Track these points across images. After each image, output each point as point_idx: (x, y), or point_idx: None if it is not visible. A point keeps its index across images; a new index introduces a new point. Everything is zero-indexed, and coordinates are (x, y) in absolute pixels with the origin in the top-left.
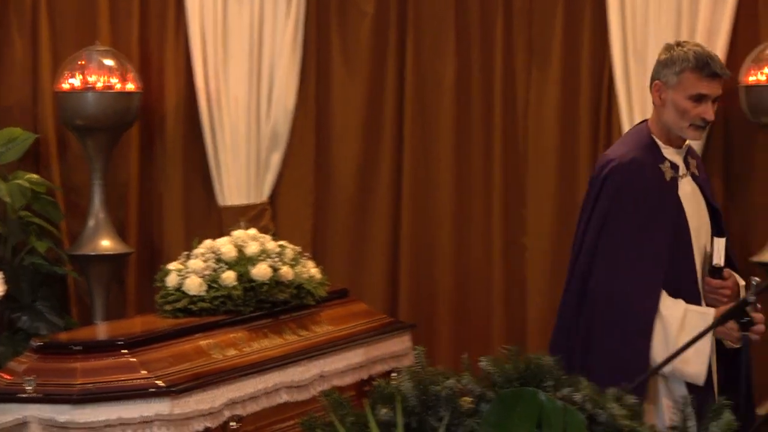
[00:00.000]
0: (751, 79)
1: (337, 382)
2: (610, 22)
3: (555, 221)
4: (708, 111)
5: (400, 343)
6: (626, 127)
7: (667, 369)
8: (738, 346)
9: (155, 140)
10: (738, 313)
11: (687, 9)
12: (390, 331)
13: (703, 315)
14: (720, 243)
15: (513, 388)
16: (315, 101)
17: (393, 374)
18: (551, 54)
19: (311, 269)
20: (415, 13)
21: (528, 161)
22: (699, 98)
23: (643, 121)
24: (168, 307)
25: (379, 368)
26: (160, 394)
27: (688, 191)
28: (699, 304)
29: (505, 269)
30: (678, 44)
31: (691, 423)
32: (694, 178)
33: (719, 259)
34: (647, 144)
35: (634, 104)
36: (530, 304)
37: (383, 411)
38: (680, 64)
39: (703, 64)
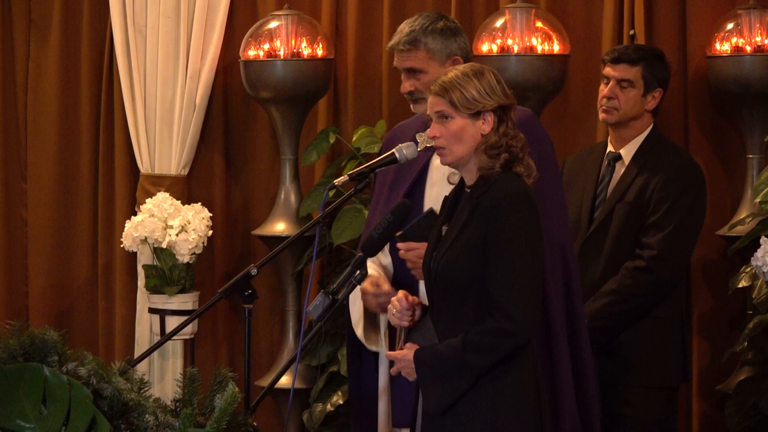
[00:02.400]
0: (251, 53)
1: None
2: None
3: (56, 195)
4: (403, 85)
5: None
6: (127, 100)
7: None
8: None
9: None
10: (240, 286)
11: None
12: None
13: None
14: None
15: (17, 363)
16: None
17: None
18: (51, 27)
19: None
20: None
21: (28, 135)
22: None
23: None
24: None
25: None
26: None
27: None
28: None
29: (5, 243)
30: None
31: (197, 397)
32: None
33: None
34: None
35: (134, 77)
36: (32, 279)
37: None
38: None
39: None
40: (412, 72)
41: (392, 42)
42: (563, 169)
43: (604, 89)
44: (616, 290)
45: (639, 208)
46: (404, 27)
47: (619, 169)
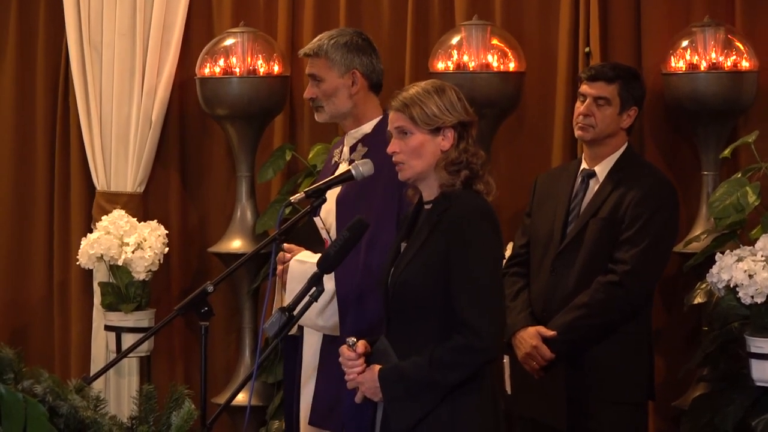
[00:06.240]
0: (207, 71)
1: None
2: (65, 12)
3: (12, 213)
4: (306, 90)
5: None
6: (83, 117)
7: None
8: None
9: None
10: (196, 303)
11: (142, 1)
12: None
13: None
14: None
15: None
16: None
17: None
18: (6, 44)
19: None
20: None
21: None
22: None
23: None
24: None
25: None
26: None
27: None
28: None
29: None
30: None
31: (153, 414)
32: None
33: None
34: None
35: (90, 94)
36: None
37: None
38: None
39: None
40: (313, 78)
41: (305, 51)
42: (535, 186)
43: (580, 107)
44: (587, 304)
45: (613, 224)
46: (318, 36)
47: (593, 186)
